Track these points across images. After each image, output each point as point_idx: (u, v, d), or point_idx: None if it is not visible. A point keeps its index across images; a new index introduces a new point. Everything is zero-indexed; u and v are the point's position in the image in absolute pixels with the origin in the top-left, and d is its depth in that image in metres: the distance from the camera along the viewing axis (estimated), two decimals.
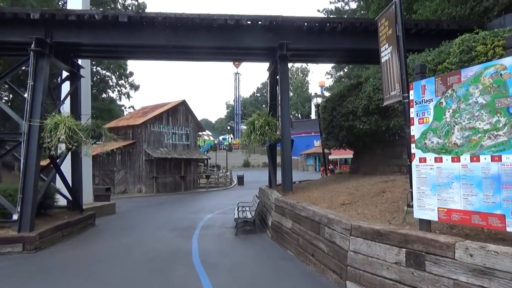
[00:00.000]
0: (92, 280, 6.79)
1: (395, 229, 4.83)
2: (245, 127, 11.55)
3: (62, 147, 12.43)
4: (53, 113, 10.90)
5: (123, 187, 29.10)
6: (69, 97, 13.91)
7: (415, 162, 4.86)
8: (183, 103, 33.08)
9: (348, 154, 39.66)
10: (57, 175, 13.06)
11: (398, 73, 6.24)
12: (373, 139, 13.51)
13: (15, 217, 10.13)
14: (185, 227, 12.72)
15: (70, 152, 13.42)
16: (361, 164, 14.62)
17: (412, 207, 4.95)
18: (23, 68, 12.68)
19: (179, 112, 32.71)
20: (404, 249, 4.45)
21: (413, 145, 4.96)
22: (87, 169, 17.45)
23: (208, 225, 13.13)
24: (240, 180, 37.08)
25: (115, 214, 17.48)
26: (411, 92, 5.05)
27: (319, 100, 19.51)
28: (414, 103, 4.97)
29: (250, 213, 11.46)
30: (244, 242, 9.86)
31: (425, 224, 4.69)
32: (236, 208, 12.90)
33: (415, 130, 4.93)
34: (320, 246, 6.57)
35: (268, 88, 14.29)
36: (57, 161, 12.78)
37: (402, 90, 6.01)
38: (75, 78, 13.60)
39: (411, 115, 5.06)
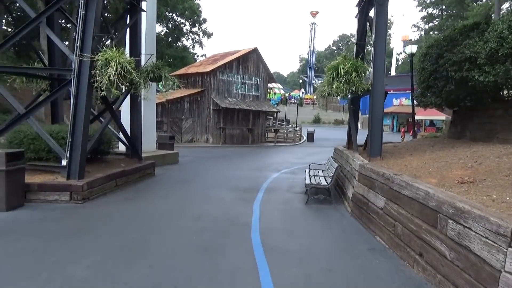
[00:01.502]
0: (122, 256, 5.39)
1: None
2: (325, 74, 9.22)
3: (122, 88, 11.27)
4: (105, 48, 9.50)
5: (191, 136, 28.58)
6: (128, 34, 12.57)
7: None
8: (255, 51, 30.94)
9: (436, 115, 35.18)
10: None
11: None
12: (491, 97, 10.53)
13: (64, 162, 9.21)
14: (247, 188, 11.16)
15: (129, 95, 12.32)
16: (468, 127, 11.64)
17: None
18: None
19: (250, 60, 30.73)
20: None
21: None
22: (150, 115, 16.54)
23: (274, 187, 11.42)
24: (310, 137, 34.88)
25: (178, 164, 16.58)
26: None
27: (414, 48, 16.22)
28: None
29: (325, 179, 9.44)
30: (317, 216, 7.95)
31: None
32: (307, 171, 10.95)
33: None
34: (436, 246, 4.42)
35: (357, 26, 11.62)
36: (114, 104, 11.69)
37: None
38: (134, 11, 12.09)
39: None
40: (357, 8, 11.70)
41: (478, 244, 3.67)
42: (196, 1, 48.43)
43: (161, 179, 12.55)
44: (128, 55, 10.83)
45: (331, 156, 12.34)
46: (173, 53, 48.28)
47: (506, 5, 35.61)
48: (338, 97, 11.32)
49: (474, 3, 50.46)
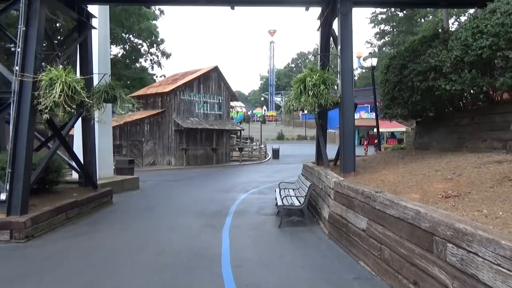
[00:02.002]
0: None
1: None
2: (293, 87, 8.74)
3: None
4: (49, 67, 8.56)
5: (152, 158, 27.36)
6: (78, 53, 11.63)
7: None
8: (215, 69, 30.46)
9: (396, 127, 35.93)
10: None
11: None
12: (455, 106, 10.53)
13: (3, 196, 8.07)
14: (214, 212, 10.37)
15: (81, 118, 11.31)
16: (435, 137, 11.56)
17: None
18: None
19: (211, 79, 30.17)
20: None
21: None
22: (107, 139, 15.44)
23: (243, 209, 10.71)
24: (276, 154, 34.55)
25: (139, 190, 15.50)
26: None
27: (374, 61, 16.32)
28: None
29: (297, 198, 8.84)
30: (292, 241, 7.30)
31: None
32: (277, 190, 10.35)
33: None
34: (435, 274, 3.89)
35: (320, 39, 11.35)
36: (63, 128, 10.63)
37: None
38: (84, 28, 11.21)
39: None
40: (319, 20, 11.47)
41: (488, 272, 3.16)
42: (153, 22, 47.59)
43: (119, 208, 11.50)
44: (78, 75, 9.90)
45: (301, 174, 11.83)
46: (131, 74, 47.00)
47: (451, 20, 37.45)
48: (300, 113, 10.93)
49: (423, 19, 53.08)
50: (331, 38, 10.76)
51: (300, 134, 67.65)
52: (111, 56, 48.41)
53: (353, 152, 8.46)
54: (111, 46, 48.53)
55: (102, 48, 14.54)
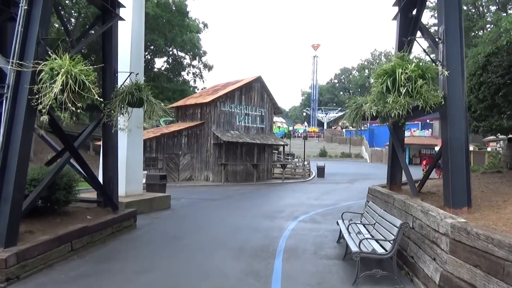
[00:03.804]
0: None
1: None
2: (375, 83, 6.21)
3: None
4: (54, 56, 6.65)
5: (189, 173, 25.53)
6: (102, 48, 9.84)
7: None
8: (258, 79, 28.41)
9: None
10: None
11: None
12: None
13: None
14: (257, 248, 7.96)
15: (102, 125, 9.45)
16: None
17: None
18: None
19: (254, 90, 28.12)
20: None
21: None
22: (136, 150, 13.55)
23: (295, 246, 8.22)
24: (321, 172, 31.68)
25: (169, 210, 13.44)
26: None
27: None
28: None
29: (379, 242, 6.14)
30: None
31: None
32: (342, 225, 7.78)
33: None
34: None
35: (398, 28, 8.85)
36: (81, 135, 8.77)
37: None
38: (108, 17, 9.41)
39: None
40: (397, 7, 8.98)
41: None
42: (196, 34, 46.83)
43: (142, 235, 9.40)
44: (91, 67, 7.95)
45: (369, 202, 9.18)
46: (172, 86, 46.32)
47: None
48: (356, 127, 8.36)
49: (482, 31, 48.62)
50: (416, 29, 8.18)
51: (344, 152, 64.14)
52: (155, 69, 48.56)
53: (466, 178, 5.78)
54: (155, 59, 48.56)
55: (135, 46, 12.85)
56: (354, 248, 5.82)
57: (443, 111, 6.07)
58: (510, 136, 12.26)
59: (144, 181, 15.32)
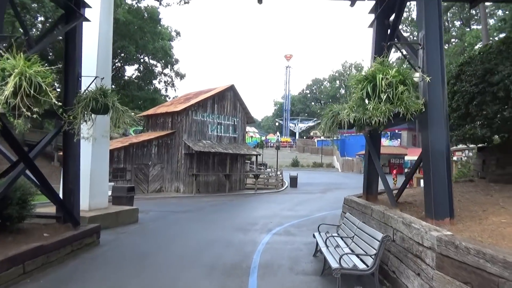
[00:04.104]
0: None
1: None
2: (355, 89, 5.92)
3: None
4: (6, 55, 6.01)
5: (159, 184, 24.70)
6: (64, 51, 9.19)
7: None
8: (231, 88, 28.06)
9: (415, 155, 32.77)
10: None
11: None
12: None
13: None
14: (230, 265, 7.47)
15: (63, 133, 8.78)
16: None
17: None
18: None
19: (227, 98, 27.73)
20: None
21: None
22: (102, 161, 12.78)
23: (270, 262, 7.78)
24: (293, 182, 31.51)
25: (137, 224, 12.71)
26: None
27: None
28: None
29: (359, 257, 5.79)
30: None
31: None
32: (320, 238, 7.43)
33: None
34: None
35: (374, 36, 8.72)
36: (38, 144, 8.06)
37: None
38: (72, 17, 8.80)
39: None
40: (373, 14, 8.87)
41: None
42: (168, 42, 46.07)
43: (105, 253, 8.70)
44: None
45: (346, 213, 8.90)
46: (143, 95, 45.23)
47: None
48: (323, 137, 8.14)
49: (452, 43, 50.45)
50: (394, 36, 8.06)
51: (316, 161, 64.50)
52: (125, 77, 47.31)
53: (448, 188, 5.57)
54: (125, 66, 47.34)
55: (102, 49, 12.18)
56: (334, 264, 5.46)
57: (423, 119, 5.87)
58: (480, 145, 12.41)
59: (110, 193, 14.50)
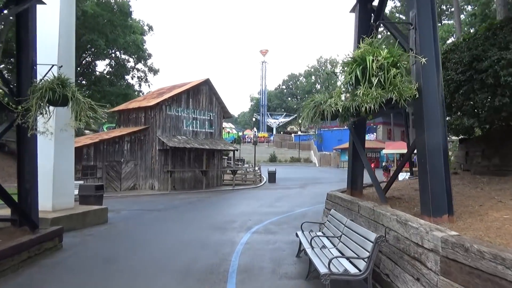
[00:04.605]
0: None
1: None
2: (344, 73, 5.32)
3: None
4: None
5: (132, 182, 23.66)
6: (16, 36, 8.22)
7: None
8: (207, 82, 27.21)
9: (400, 149, 32.56)
10: None
11: None
12: None
13: None
14: (206, 269, 6.80)
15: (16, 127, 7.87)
16: None
17: None
18: None
19: (202, 93, 26.86)
20: None
21: None
22: (66, 158, 11.81)
23: (250, 264, 7.15)
24: (272, 177, 30.99)
25: (106, 225, 11.84)
26: None
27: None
28: None
29: (350, 261, 5.21)
30: None
31: None
32: (303, 238, 6.86)
33: None
34: None
35: (356, 23, 8.18)
36: None
37: None
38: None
39: None
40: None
41: None
42: (140, 36, 44.52)
43: (67, 259, 7.85)
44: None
45: (329, 210, 8.37)
46: (115, 90, 43.62)
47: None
48: (302, 130, 7.58)
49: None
50: (380, 17, 7.53)
51: (293, 156, 64.36)
52: (96, 73, 45.49)
53: (446, 182, 5.07)
54: (96, 62, 45.53)
55: (64, 37, 11.22)
56: (322, 269, 4.87)
57: (417, 106, 5.36)
58: (461, 137, 12.17)
59: (77, 192, 13.53)
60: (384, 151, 36.75)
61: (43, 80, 7.54)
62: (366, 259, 4.74)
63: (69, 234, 9.86)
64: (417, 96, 5.17)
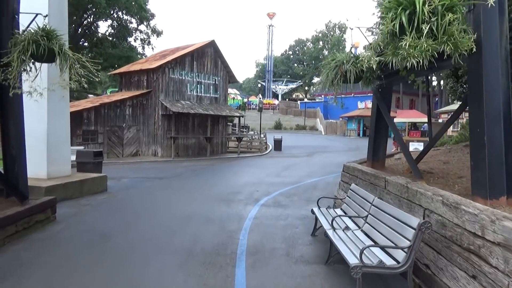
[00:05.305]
0: None
1: None
2: (384, 20, 4.27)
3: None
4: None
5: (135, 148, 22.93)
6: None
7: None
8: (212, 44, 25.83)
9: (417, 117, 31.36)
10: None
11: None
12: None
13: None
14: (211, 250, 6.06)
15: None
16: None
17: None
18: None
19: (207, 55, 25.56)
20: None
21: None
22: (61, 122, 10.95)
23: (259, 245, 6.39)
24: (278, 145, 30.16)
25: (105, 194, 11.16)
26: None
27: None
28: None
29: (384, 250, 4.37)
30: None
31: None
32: (319, 213, 6.05)
33: None
34: None
35: None
36: None
37: None
38: None
39: None
40: None
41: None
42: None
43: (59, 233, 7.14)
44: None
45: (346, 183, 7.52)
46: (117, 53, 42.13)
47: None
48: (336, 90, 6.54)
49: None
50: None
51: (299, 124, 63.33)
52: (98, 34, 43.83)
53: (506, 157, 4.15)
54: (98, 23, 43.76)
55: None
56: (351, 259, 4.07)
57: (473, 62, 4.36)
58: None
59: (74, 158, 12.78)
60: (396, 120, 35.40)
61: (26, 32, 6.59)
62: (406, 249, 3.92)
63: (64, 204, 9.21)
64: (474, 50, 4.16)
